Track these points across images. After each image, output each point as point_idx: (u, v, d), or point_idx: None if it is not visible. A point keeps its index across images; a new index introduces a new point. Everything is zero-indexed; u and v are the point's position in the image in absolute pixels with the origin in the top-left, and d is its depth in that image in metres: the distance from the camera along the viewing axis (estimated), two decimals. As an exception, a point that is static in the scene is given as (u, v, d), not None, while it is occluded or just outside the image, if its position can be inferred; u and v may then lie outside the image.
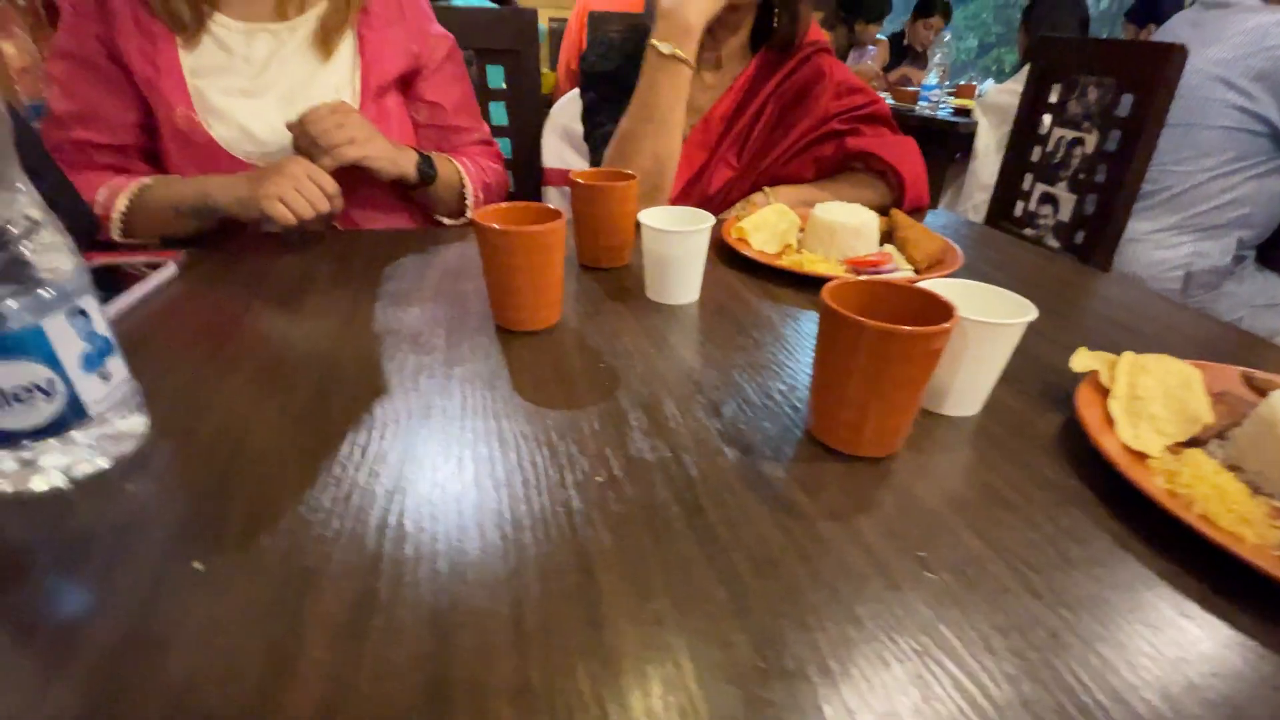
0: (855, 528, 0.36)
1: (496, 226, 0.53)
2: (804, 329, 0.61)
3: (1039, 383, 0.53)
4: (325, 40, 0.81)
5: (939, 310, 0.39)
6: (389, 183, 0.84)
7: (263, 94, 0.79)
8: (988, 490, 0.40)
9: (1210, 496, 0.37)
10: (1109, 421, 0.45)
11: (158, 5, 0.75)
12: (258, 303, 0.62)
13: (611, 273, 0.73)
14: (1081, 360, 0.49)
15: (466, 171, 0.91)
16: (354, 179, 0.79)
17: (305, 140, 0.75)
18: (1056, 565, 0.34)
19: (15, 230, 0.34)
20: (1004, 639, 0.30)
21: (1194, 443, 0.44)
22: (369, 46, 0.83)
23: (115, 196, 0.74)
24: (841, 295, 0.41)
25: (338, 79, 0.82)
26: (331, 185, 0.74)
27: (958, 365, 0.44)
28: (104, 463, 0.39)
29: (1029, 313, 0.44)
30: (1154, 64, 1.11)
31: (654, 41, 0.80)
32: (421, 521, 0.35)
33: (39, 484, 0.37)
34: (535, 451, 0.41)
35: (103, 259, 0.69)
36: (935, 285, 0.48)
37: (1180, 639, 0.30)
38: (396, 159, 0.81)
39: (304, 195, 0.71)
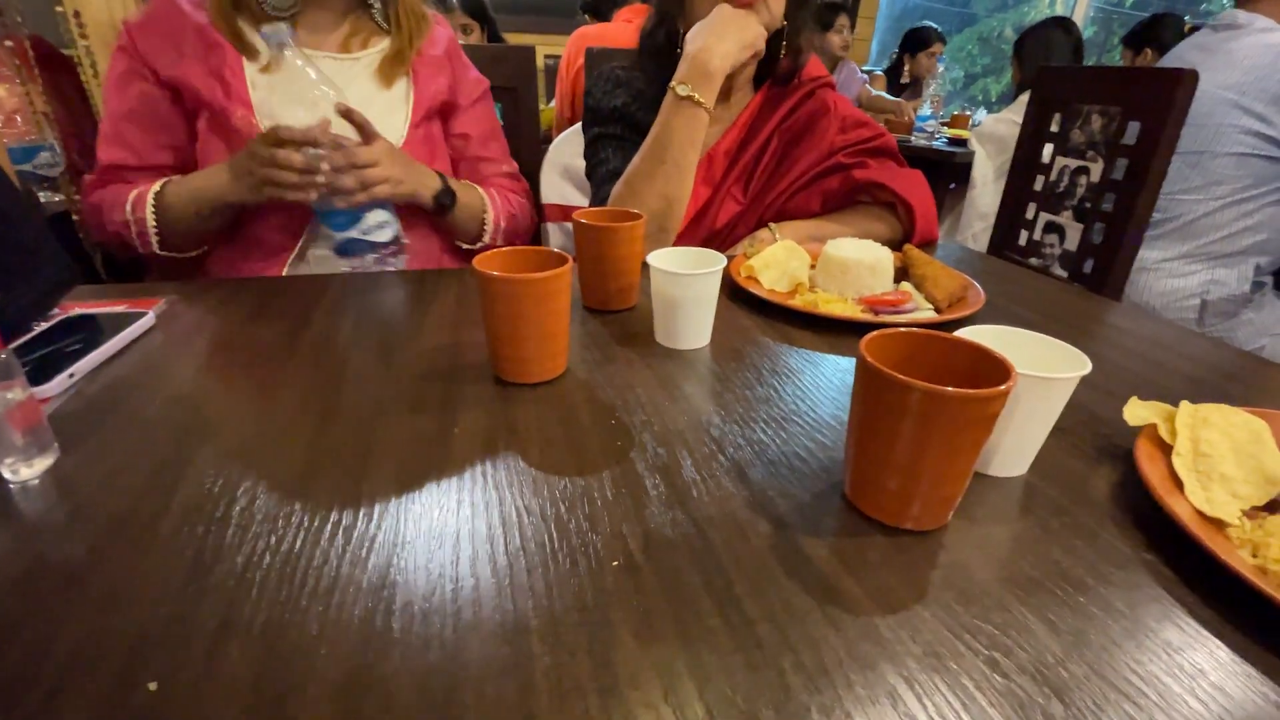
0: (915, 623, 0.31)
1: (497, 274, 0.50)
2: (825, 376, 0.57)
3: (1084, 433, 0.49)
4: (388, 73, 0.90)
5: (992, 367, 0.35)
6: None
7: (320, 108, 0.83)
8: (1055, 569, 0.35)
9: (1305, 571, 0.33)
10: (1176, 482, 0.40)
11: (231, 37, 0.82)
12: (237, 357, 0.58)
13: (618, 316, 0.69)
14: (1135, 412, 0.45)
15: (491, 201, 0.97)
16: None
17: (334, 162, 0.78)
18: (1154, 668, 0.30)
19: None
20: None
21: (1273, 506, 0.40)
22: (420, 79, 0.93)
23: (142, 207, 0.80)
24: (880, 349, 0.37)
25: (394, 102, 0.91)
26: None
27: (1007, 423, 0.40)
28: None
29: (1082, 364, 0.41)
30: (1163, 90, 1.10)
31: (674, 84, 0.79)
32: (413, 625, 0.30)
33: None
34: (542, 530, 0.37)
35: (80, 308, 0.65)
36: (973, 334, 0.44)
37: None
38: (417, 191, 0.87)
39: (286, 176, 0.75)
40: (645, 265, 0.62)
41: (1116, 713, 0.27)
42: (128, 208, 0.81)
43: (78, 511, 0.39)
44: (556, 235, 1.37)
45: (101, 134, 0.85)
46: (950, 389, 0.32)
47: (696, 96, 0.78)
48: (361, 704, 0.27)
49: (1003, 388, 0.33)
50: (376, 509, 0.39)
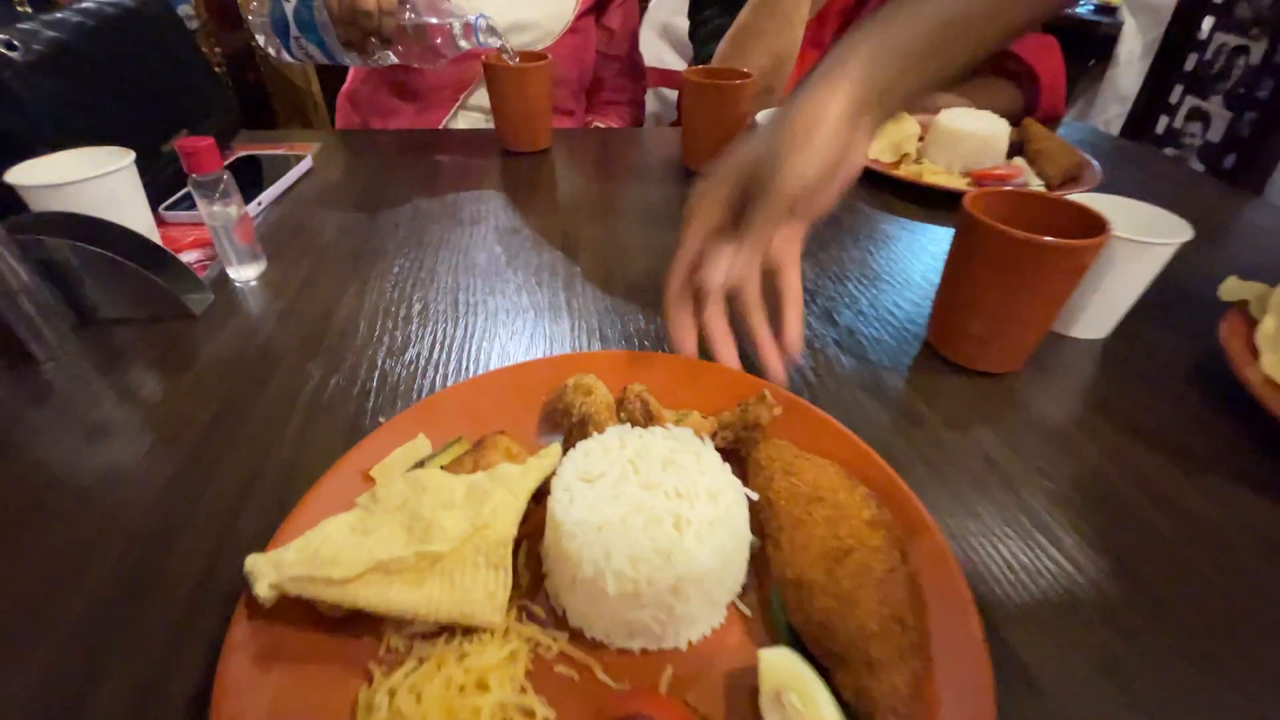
0: (975, 437, 0.37)
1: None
2: (920, 242, 0.60)
3: (1178, 310, 0.50)
4: None
5: (1089, 223, 0.38)
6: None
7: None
8: (1117, 413, 0.39)
9: (1361, 433, 0.36)
10: (1254, 354, 0.42)
11: None
12: (383, 196, 0.66)
13: (719, 179, 0.72)
14: (1231, 289, 0.46)
15: None
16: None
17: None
18: (1183, 486, 0.34)
19: None
20: (1116, 538, 0.31)
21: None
22: None
23: None
24: (983, 204, 0.40)
25: None
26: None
27: (1098, 284, 0.43)
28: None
29: (1183, 232, 0.42)
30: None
31: None
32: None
33: None
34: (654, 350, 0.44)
35: (245, 150, 0.74)
36: (1079, 199, 0.45)
37: (1310, 565, 0.31)
38: None
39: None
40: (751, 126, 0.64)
41: (1137, 509, 0.33)
42: None
43: (290, 307, 0.49)
44: (652, 101, 1.36)
45: None
46: (1048, 239, 0.35)
47: None
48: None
49: (1096, 240, 0.36)
50: (503, 320, 0.47)
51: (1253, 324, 0.44)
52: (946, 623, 0.25)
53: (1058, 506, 0.33)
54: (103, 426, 0.38)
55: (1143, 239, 0.40)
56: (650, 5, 1.33)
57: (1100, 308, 0.44)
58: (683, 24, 1.04)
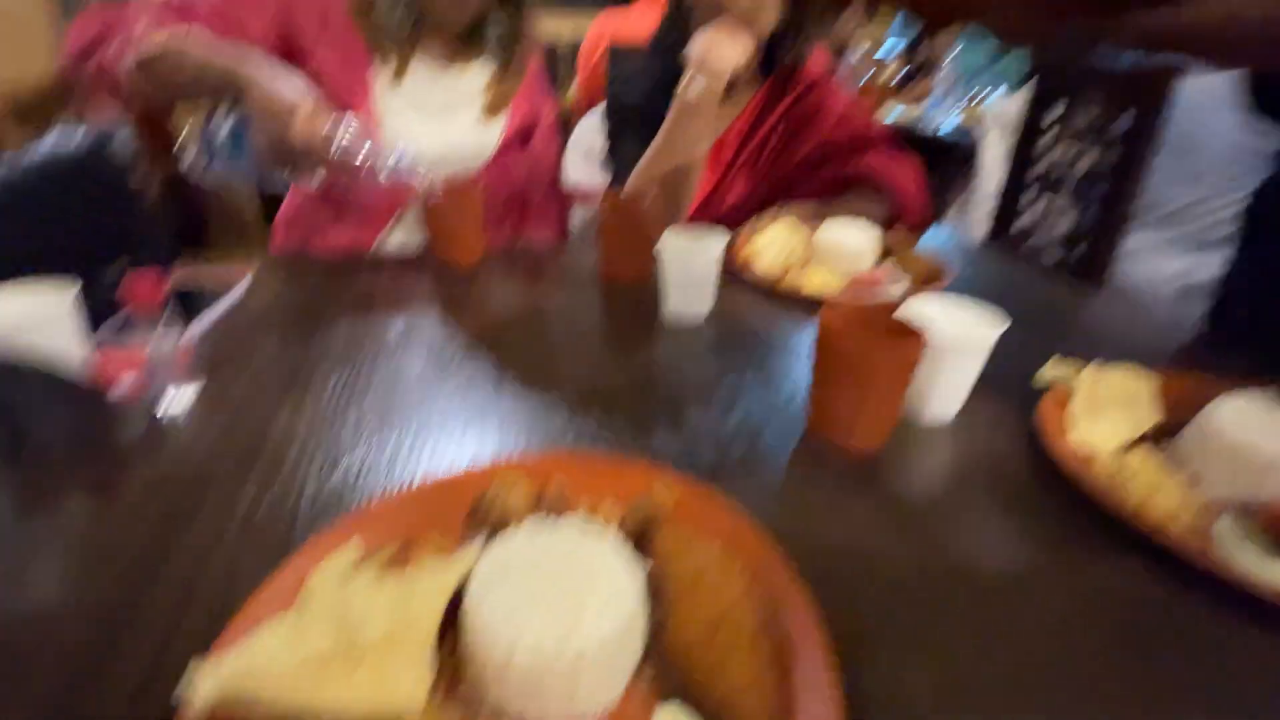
0: (843, 506, 0.43)
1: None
2: (805, 342, 0.68)
3: (1016, 392, 0.59)
4: (493, 108, 1.02)
5: (914, 330, 0.47)
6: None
7: (431, 120, 0.96)
8: (957, 481, 0.47)
9: (1146, 490, 0.44)
10: (1067, 425, 0.51)
11: (372, 42, 0.89)
12: (312, 319, 0.71)
13: (634, 290, 0.80)
14: (1051, 371, 0.56)
15: None
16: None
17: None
18: (1003, 535, 0.42)
19: None
20: (949, 584, 0.37)
21: (1144, 442, 0.51)
22: (515, 108, 1.03)
23: (160, 32, 0.75)
24: (834, 317, 0.49)
25: (492, 128, 1.02)
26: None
27: (936, 373, 0.51)
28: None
29: (1000, 324, 0.52)
30: (1149, 85, 1.17)
31: (681, 89, 0.88)
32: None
33: None
34: (582, 439, 0.49)
35: (182, 275, 0.78)
36: (921, 302, 0.55)
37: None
38: None
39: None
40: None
41: (990, 571, 0.39)
42: (144, 23, 0.75)
43: (226, 427, 0.52)
44: (580, 211, 1.47)
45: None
46: (877, 342, 0.44)
47: (703, 99, 0.87)
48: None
49: (915, 341, 0.44)
50: (439, 432, 0.51)
51: (1066, 402, 0.54)
52: (808, 668, 0.30)
53: (907, 559, 0.39)
54: (34, 553, 0.39)
55: (965, 332, 0.50)
56: (575, 132, 1.47)
57: (942, 394, 0.53)
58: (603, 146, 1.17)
